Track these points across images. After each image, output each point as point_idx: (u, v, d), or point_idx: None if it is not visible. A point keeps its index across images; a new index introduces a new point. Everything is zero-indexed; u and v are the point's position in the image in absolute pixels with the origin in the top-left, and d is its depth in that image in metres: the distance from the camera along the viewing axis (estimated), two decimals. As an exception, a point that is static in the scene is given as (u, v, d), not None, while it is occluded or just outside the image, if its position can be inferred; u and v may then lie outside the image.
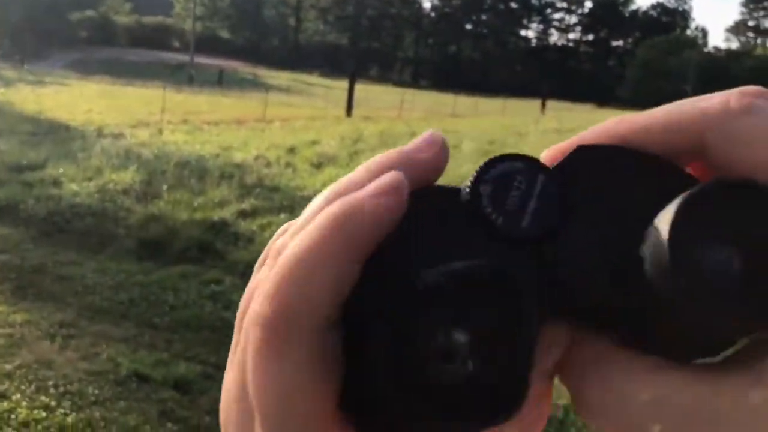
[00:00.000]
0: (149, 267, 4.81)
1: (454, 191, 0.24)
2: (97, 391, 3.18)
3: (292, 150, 8.59)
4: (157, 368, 3.42)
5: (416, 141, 0.24)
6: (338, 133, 9.88)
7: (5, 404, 3.03)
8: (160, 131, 10.04)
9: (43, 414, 2.96)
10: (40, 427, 2.87)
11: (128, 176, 6.71)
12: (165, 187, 6.38)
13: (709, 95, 0.23)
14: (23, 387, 3.18)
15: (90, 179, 6.63)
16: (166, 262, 4.93)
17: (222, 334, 3.83)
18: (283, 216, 5.70)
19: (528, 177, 0.23)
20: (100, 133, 9.66)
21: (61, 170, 6.87)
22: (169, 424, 2.95)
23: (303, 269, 0.21)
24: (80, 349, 3.63)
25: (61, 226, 5.52)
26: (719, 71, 49.58)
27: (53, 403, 3.05)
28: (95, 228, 5.44)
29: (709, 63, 53.46)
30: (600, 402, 0.22)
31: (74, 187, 6.38)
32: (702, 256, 0.20)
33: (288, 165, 7.72)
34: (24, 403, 3.03)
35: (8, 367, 3.38)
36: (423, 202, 0.23)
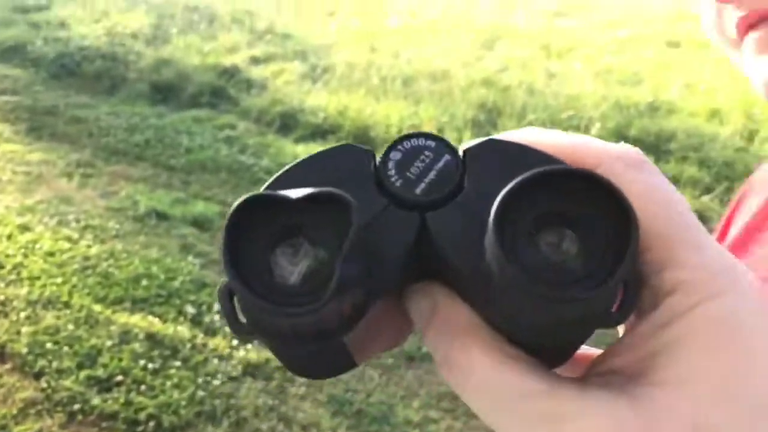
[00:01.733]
0: (162, 110, 4.76)
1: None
2: (117, 226, 3.24)
3: (303, -4, 8.28)
4: (175, 206, 3.46)
5: None
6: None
7: (29, 235, 3.09)
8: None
9: (67, 245, 3.03)
10: (65, 257, 2.95)
11: (136, 19, 6.51)
12: (174, 30, 6.21)
13: (616, 143, 0.28)
14: (45, 220, 3.23)
15: (98, 21, 6.44)
16: (179, 106, 4.88)
17: (239, 176, 3.84)
18: (296, 63, 5.57)
19: (435, 153, 0.27)
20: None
21: (67, 12, 6.66)
22: (190, 258, 3.02)
23: None
24: (98, 187, 3.66)
25: (71, 68, 5.41)
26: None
27: (76, 236, 3.11)
28: (106, 71, 5.34)
29: None
30: (459, 378, 0.26)
31: (82, 29, 6.21)
32: (528, 244, 0.24)
33: (299, 12, 7.47)
34: (47, 235, 3.10)
35: (29, 201, 3.43)
36: (348, 158, 0.28)
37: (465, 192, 0.27)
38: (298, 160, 0.28)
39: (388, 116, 4.48)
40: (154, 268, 2.90)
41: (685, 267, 0.24)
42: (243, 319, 0.26)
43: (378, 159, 0.28)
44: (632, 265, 0.23)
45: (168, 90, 5.08)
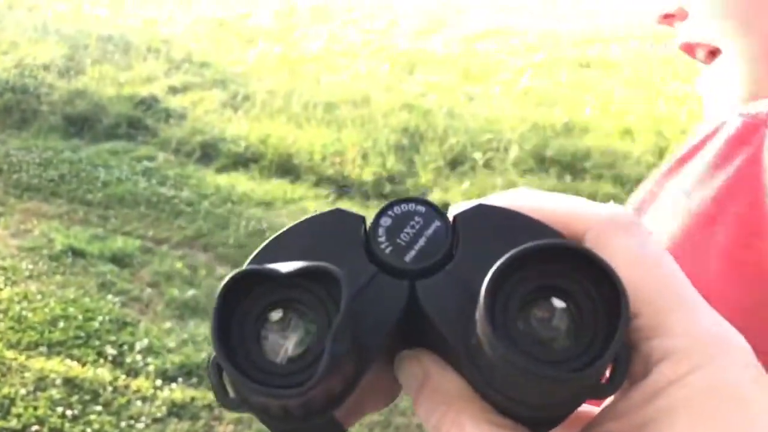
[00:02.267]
0: (77, 144, 4.61)
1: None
2: (31, 266, 3.10)
3: (221, 24, 8.20)
4: (93, 243, 3.34)
5: None
6: (271, 6, 9.46)
7: (-66, 281, 2.93)
8: (80, 3, 9.41)
9: (-24, 289, 2.88)
10: (-27, 301, 2.80)
11: (47, 50, 6.31)
12: (89, 61, 6.04)
13: (604, 204, 0.28)
14: (-48, 263, 3.07)
15: (5, 53, 6.21)
16: (95, 138, 4.74)
17: (159, 209, 3.75)
18: (216, 91, 5.50)
19: (425, 220, 0.27)
20: (11, 5, 8.99)
21: (-28, 44, 6.39)
22: (110, 296, 2.92)
23: None
24: (10, 225, 3.51)
25: (-23, 102, 5.19)
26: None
27: (-15, 279, 2.96)
28: (16, 104, 5.15)
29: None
30: None
31: (-12, 61, 5.97)
32: (518, 320, 0.24)
33: (217, 40, 7.39)
34: (-46, 279, 2.94)
35: (-67, 244, 3.25)
36: (338, 225, 0.27)
37: (455, 261, 0.27)
38: (288, 227, 0.28)
39: (311, 143, 4.46)
40: (72, 309, 2.79)
41: (675, 334, 0.24)
42: (231, 393, 0.25)
43: (368, 224, 0.28)
44: (622, 342, 0.23)
45: (83, 122, 4.93)
